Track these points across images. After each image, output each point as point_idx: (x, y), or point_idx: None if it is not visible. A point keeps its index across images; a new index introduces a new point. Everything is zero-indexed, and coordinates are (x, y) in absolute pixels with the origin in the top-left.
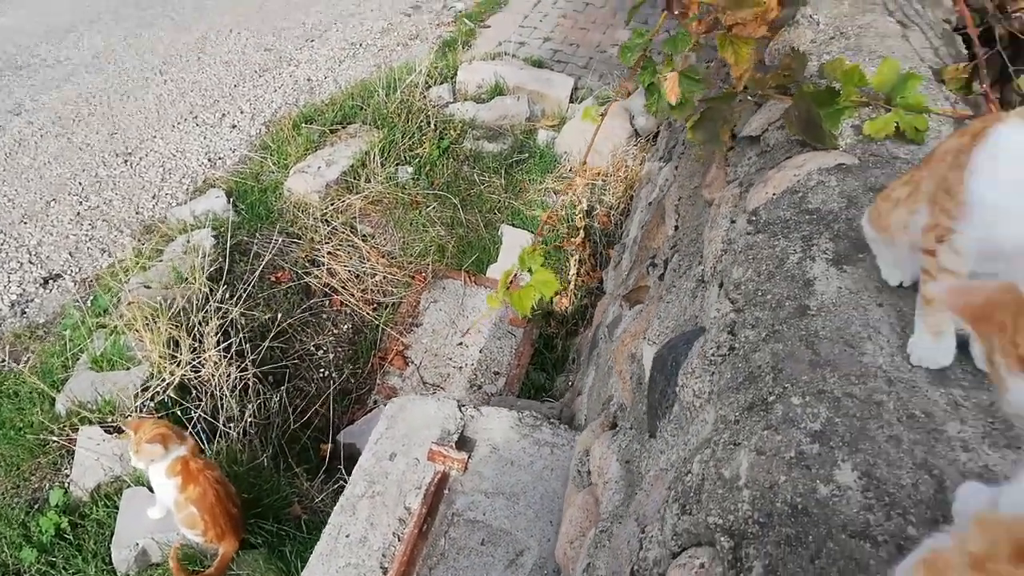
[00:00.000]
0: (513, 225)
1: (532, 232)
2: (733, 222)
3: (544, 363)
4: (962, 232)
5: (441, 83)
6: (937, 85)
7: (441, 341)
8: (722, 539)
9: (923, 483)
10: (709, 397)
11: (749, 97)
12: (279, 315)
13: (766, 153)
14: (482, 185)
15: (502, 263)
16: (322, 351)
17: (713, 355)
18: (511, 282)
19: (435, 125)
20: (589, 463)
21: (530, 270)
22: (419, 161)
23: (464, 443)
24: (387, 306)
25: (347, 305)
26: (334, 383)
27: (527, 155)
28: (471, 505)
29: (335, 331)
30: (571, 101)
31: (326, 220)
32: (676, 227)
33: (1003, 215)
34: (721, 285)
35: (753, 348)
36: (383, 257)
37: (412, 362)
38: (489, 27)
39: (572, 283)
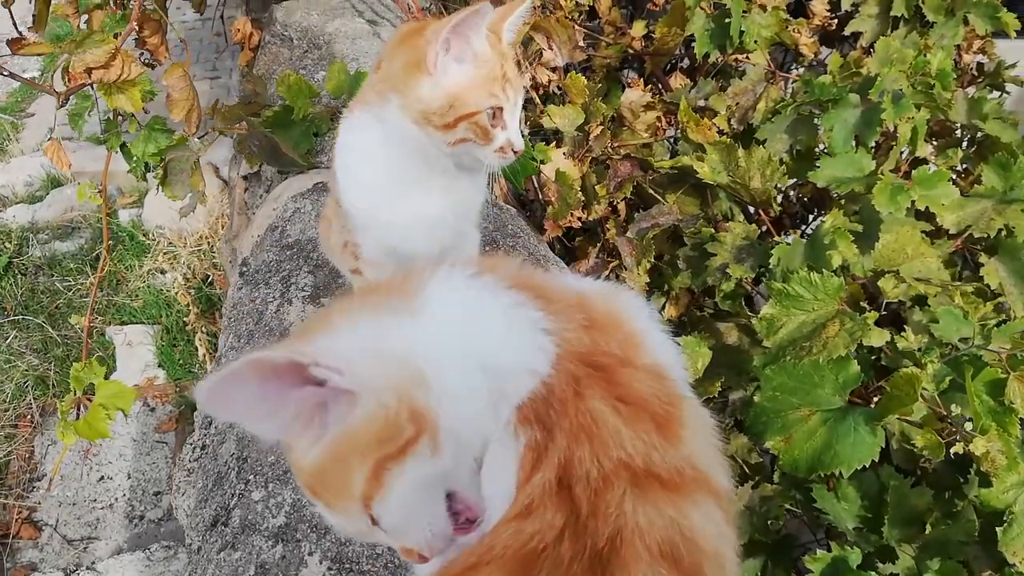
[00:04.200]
0: (122, 323)
1: (147, 323)
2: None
3: None
4: (361, 243)
5: None
6: None
7: (76, 485)
8: None
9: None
10: (190, 519)
11: (221, 132)
12: None
13: (271, 187)
14: (69, 292)
15: (123, 368)
16: None
17: (190, 461)
18: (78, 408)
19: None
20: None
21: (91, 388)
22: None
23: None
24: None
25: None
26: None
27: (114, 242)
28: None
29: None
30: (147, 171)
31: None
32: None
33: (370, 213)
34: (215, 364)
35: (221, 440)
36: None
37: (46, 524)
38: (33, 115)
39: (208, 361)
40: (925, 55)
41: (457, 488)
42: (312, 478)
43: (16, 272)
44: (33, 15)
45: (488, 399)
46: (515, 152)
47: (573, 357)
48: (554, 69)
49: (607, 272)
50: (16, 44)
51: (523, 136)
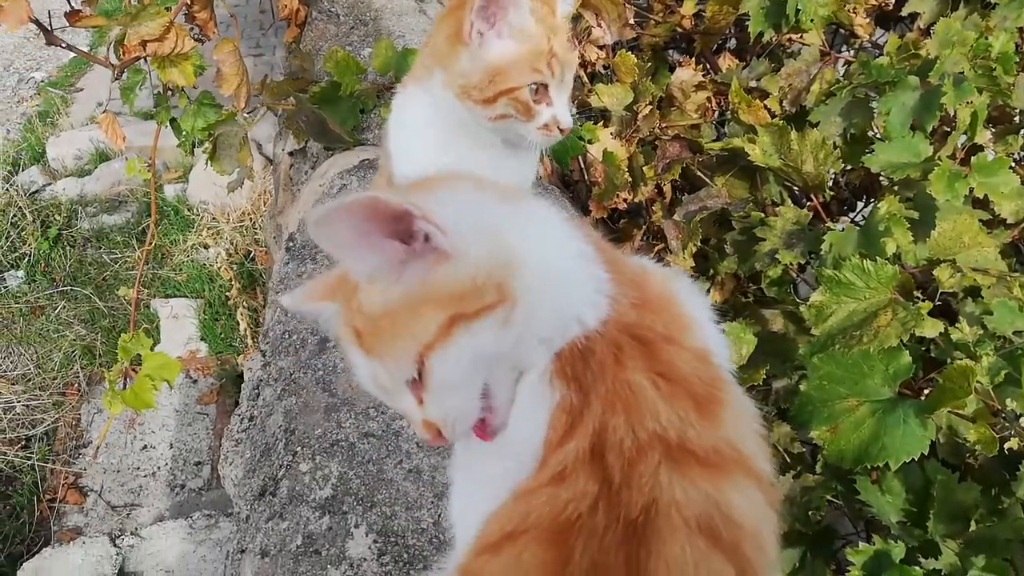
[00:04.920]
0: (166, 296)
1: (190, 296)
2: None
3: None
4: None
5: (30, 166)
6: None
7: (120, 453)
8: None
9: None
10: (238, 488)
11: (269, 108)
12: None
13: (316, 164)
14: (116, 264)
15: (167, 340)
16: None
17: (238, 432)
18: (124, 378)
19: (33, 215)
20: None
21: (137, 359)
22: (28, 261)
23: None
24: (39, 438)
25: None
26: None
27: (160, 217)
28: None
29: None
30: (195, 146)
31: None
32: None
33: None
34: (262, 337)
35: (269, 412)
36: (14, 384)
37: (91, 490)
38: (82, 90)
39: (249, 336)
40: (987, 37)
41: (493, 385)
42: (371, 321)
43: (65, 244)
44: None
45: (557, 311)
46: (561, 130)
47: (619, 326)
48: (602, 47)
49: (652, 255)
50: (74, 16)
51: (572, 114)
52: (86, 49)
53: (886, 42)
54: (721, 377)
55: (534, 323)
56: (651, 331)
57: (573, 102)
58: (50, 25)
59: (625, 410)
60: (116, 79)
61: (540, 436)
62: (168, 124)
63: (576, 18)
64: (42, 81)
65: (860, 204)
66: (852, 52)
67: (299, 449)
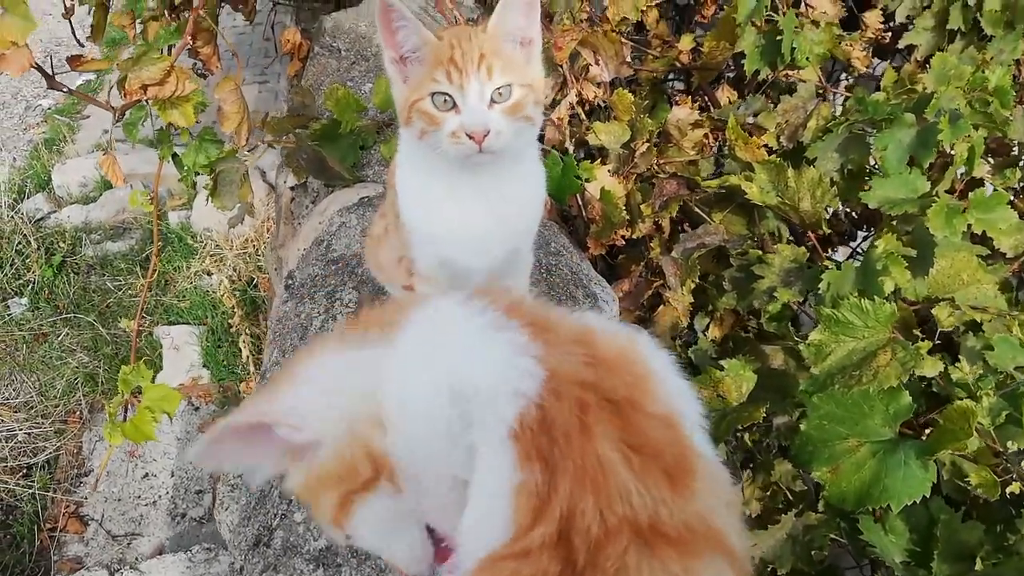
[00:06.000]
0: (169, 323)
1: (193, 323)
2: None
3: None
4: (415, 257)
5: (35, 193)
6: None
7: (122, 481)
8: None
9: None
10: (233, 535)
11: (270, 144)
12: None
13: (317, 199)
14: (119, 291)
15: (170, 367)
16: None
17: (234, 476)
18: (125, 410)
19: (37, 242)
20: None
21: (138, 390)
22: (32, 288)
23: None
24: (41, 466)
25: None
26: None
27: (163, 244)
28: None
29: None
30: (197, 173)
31: None
32: None
33: (418, 224)
34: (260, 378)
35: None
36: (16, 412)
37: (92, 519)
38: (88, 117)
39: (251, 363)
40: (983, 71)
41: (432, 522)
42: (299, 497)
43: (69, 271)
44: (91, 25)
45: (455, 430)
46: (470, 136)
47: (577, 384)
48: (599, 84)
49: (650, 291)
50: (75, 61)
51: (502, 120)
52: (92, 76)
53: (883, 73)
54: (690, 445)
55: (444, 439)
56: (614, 392)
57: (571, 139)
58: (52, 69)
59: (594, 491)
60: (117, 122)
61: (507, 527)
62: (170, 159)
63: (574, 56)
64: (48, 109)
65: (861, 236)
66: (850, 80)
67: (294, 498)
